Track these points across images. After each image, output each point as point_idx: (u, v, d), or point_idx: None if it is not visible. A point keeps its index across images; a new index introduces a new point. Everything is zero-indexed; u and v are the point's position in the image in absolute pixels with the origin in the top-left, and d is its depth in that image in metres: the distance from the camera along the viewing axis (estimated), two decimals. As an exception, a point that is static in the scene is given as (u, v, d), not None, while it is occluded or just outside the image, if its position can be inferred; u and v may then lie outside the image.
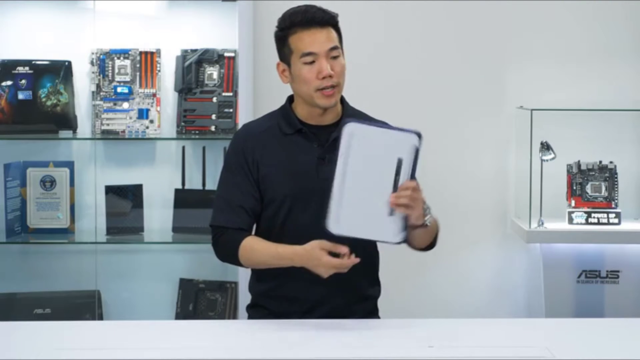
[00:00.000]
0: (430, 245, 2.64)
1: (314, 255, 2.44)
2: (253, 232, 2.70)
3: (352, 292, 2.64)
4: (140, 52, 3.86)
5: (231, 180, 2.65)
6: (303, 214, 2.60)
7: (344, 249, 2.42)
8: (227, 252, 2.63)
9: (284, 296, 2.64)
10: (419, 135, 2.40)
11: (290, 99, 2.70)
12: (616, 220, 3.83)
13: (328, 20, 2.59)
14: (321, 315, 2.59)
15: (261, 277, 2.67)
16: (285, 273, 2.59)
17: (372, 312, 2.71)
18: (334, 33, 2.60)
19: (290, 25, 2.60)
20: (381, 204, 2.40)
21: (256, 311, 2.71)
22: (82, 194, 3.90)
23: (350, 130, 2.38)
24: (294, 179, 2.61)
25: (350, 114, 2.67)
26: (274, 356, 2.28)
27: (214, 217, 2.66)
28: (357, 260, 2.43)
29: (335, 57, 2.59)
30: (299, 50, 2.58)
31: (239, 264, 2.63)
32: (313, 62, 2.57)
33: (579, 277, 3.83)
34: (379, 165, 2.41)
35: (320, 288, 2.59)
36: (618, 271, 3.82)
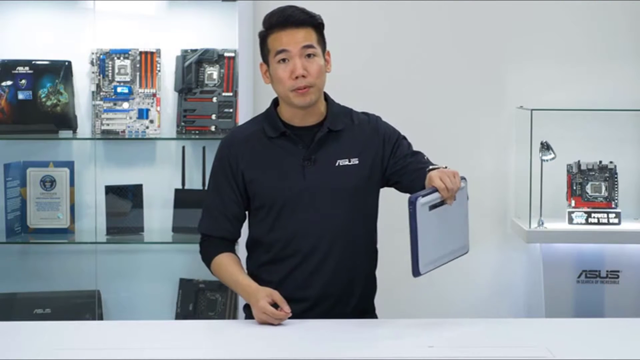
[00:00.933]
0: None
1: (258, 296, 2.52)
2: (246, 237, 2.73)
3: (346, 291, 2.64)
4: (140, 52, 3.86)
5: (215, 188, 2.69)
6: (292, 217, 2.60)
7: (286, 309, 2.48)
8: (205, 261, 2.73)
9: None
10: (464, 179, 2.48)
11: (276, 102, 2.70)
12: (616, 220, 3.83)
13: (305, 20, 2.58)
14: (319, 314, 2.59)
15: (258, 277, 2.67)
16: (282, 274, 2.60)
17: (367, 311, 2.71)
18: (313, 34, 2.59)
19: (269, 26, 2.60)
20: (446, 230, 2.45)
21: (252, 311, 2.71)
22: (82, 194, 3.90)
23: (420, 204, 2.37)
24: (280, 182, 2.61)
25: (335, 111, 2.67)
26: (274, 356, 2.28)
27: (199, 223, 2.73)
28: (289, 314, 2.49)
29: (310, 56, 2.57)
30: (274, 49, 2.58)
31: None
32: (286, 60, 2.56)
33: (579, 277, 3.83)
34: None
35: (317, 287, 2.61)
36: (618, 271, 3.82)
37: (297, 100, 2.58)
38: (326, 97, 2.69)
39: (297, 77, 2.55)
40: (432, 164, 2.59)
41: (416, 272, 2.38)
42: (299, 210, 2.59)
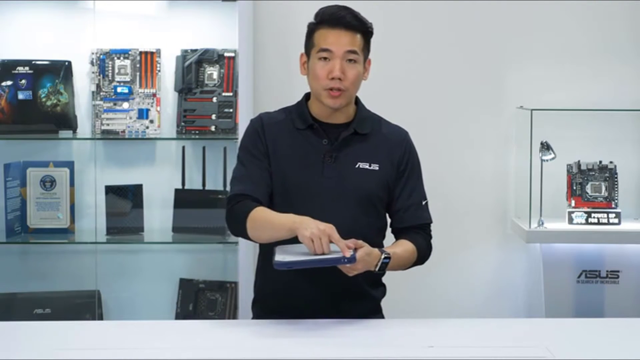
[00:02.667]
0: (415, 264, 2.70)
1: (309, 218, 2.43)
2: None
3: (354, 292, 2.64)
4: (140, 52, 3.86)
5: (248, 159, 2.64)
6: (303, 209, 2.58)
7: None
8: (237, 220, 2.57)
9: (285, 294, 2.64)
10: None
11: (307, 96, 2.72)
12: (616, 220, 3.83)
13: (356, 25, 2.61)
14: (322, 314, 2.58)
15: (264, 275, 2.68)
16: (287, 272, 2.59)
17: (374, 312, 2.71)
18: (359, 40, 2.61)
19: (321, 20, 2.62)
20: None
21: (259, 309, 2.73)
22: (82, 194, 3.90)
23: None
24: (298, 173, 2.62)
25: (363, 115, 2.69)
26: (274, 356, 2.28)
27: (230, 189, 2.64)
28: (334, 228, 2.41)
29: (351, 61, 2.60)
30: (318, 45, 2.61)
31: (246, 235, 2.57)
32: (327, 59, 2.59)
33: (579, 277, 3.84)
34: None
35: (322, 287, 2.60)
36: (618, 271, 3.83)
37: (327, 101, 2.61)
38: (357, 101, 2.71)
39: (333, 78, 2.57)
40: (422, 217, 2.68)
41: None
42: (311, 205, 2.59)
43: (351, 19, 2.61)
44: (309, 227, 2.40)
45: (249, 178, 2.61)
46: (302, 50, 2.69)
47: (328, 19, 2.61)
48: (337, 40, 2.59)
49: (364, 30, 2.63)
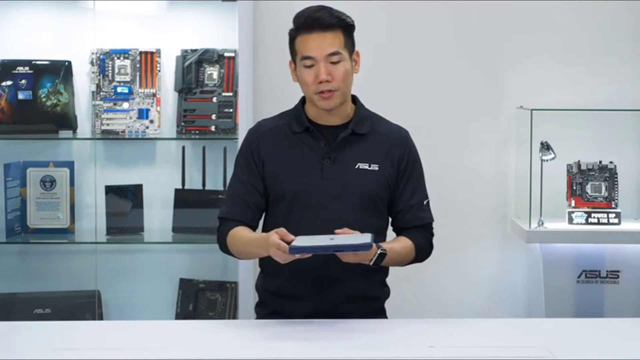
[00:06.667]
0: (415, 261, 2.70)
1: (269, 236, 2.42)
2: (260, 229, 2.72)
3: (356, 293, 2.64)
4: (140, 52, 3.86)
5: (237, 175, 2.69)
6: (305, 212, 2.60)
7: (291, 237, 2.40)
8: (221, 242, 2.67)
9: (287, 295, 2.65)
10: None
11: (304, 99, 2.71)
12: (616, 220, 3.83)
13: (333, 23, 2.58)
14: (324, 315, 2.58)
15: (267, 275, 2.68)
16: (290, 272, 2.59)
17: (377, 313, 2.71)
18: (340, 37, 2.59)
19: (296, 27, 2.61)
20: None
21: (262, 310, 2.73)
22: (82, 194, 3.90)
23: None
24: (297, 177, 2.62)
25: (362, 115, 2.68)
26: (274, 356, 2.28)
27: (219, 210, 2.71)
28: (294, 239, 2.41)
29: (335, 62, 2.58)
30: (300, 53, 2.60)
31: (231, 254, 2.66)
32: (312, 65, 2.58)
33: (579, 277, 3.84)
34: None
35: (324, 288, 2.61)
36: (618, 271, 3.82)
37: (320, 104, 2.61)
38: (355, 101, 2.71)
39: (321, 82, 2.57)
40: (424, 218, 2.68)
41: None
42: (311, 208, 2.60)
43: (328, 17, 2.58)
44: (272, 254, 2.42)
45: (234, 198, 2.67)
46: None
47: (304, 23, 2.58)
48: (318, 45, 2.57)
49: (344, 25, 2.61)
